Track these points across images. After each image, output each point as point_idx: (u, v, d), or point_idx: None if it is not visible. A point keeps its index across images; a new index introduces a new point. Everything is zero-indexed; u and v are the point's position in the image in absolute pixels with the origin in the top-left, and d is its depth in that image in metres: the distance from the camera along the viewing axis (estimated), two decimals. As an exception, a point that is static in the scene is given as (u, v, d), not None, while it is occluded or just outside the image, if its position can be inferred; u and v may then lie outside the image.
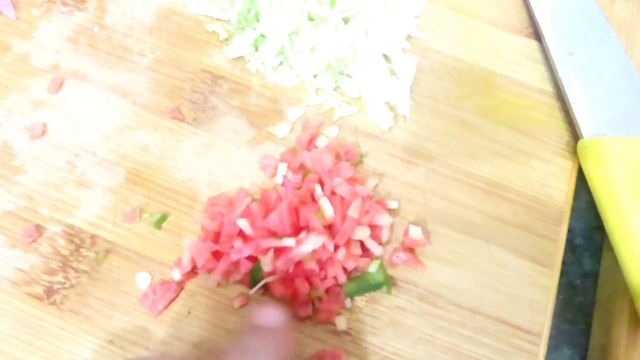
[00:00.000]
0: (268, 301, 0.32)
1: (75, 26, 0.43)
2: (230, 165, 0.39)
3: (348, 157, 0.39)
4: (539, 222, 0.38)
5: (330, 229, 0.35)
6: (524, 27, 0.46)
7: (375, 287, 0.34)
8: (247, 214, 0.34)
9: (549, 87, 0.44)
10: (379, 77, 0.41)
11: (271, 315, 0.30)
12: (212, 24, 0.43)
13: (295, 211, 0.34)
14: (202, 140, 0.39)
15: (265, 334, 0.29)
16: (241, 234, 0.34)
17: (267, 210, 0.35)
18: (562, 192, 0.39)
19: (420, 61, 0.43)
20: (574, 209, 0.41)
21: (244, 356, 0.27)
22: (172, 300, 0.34)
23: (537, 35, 0.46)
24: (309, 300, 0.34)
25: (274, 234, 0.34)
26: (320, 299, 0.34)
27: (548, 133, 0.42)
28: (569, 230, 0.40)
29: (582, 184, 0.41)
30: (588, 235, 0.42)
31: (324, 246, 0.33)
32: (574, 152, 0.41)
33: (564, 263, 0.39)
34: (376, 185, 0.38)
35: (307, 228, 0.34)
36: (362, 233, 0.35)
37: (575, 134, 0.41)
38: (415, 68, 0.42)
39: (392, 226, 0.37)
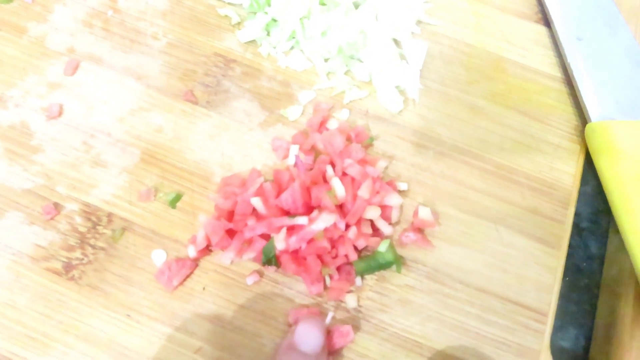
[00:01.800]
0: (308, 321, 0.32)
1: (90, 10, 0.44)
2: (243, 147, 0.39)
3: (359, 140, 0.39)
4: (547, 205, 0.39)
5: (341, 208, 0.35)
6: (533, 13, 0.46)
7: (385, 265, 0.35)
8: (260, 193, 0.35)
9: (557, 72, 0.44)
10: (389, 62, 0.42)
11: (311, 336, 0.31)
12: (224, 8, 0.44)
13: (307, 191, 0.35)
14: (215, 123, 0.40)
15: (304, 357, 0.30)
16: (254, 212, 0.35)
17: (280, 189, 0.36)
18: (570, 176, 0.40)
19: (430, 46, 0.44)
20: (581, 194, 0.41)
21: None
22: (187, 276, 0.35)
23: (547, 21, 0.46)
24: (321, 277, 0.34)
25: (287, 213, 0.35)
26: (331, 276, 0.35)
27: (556, 117, 0.42)
28: (576, 214, 0.40)
29: (589, 168, 0.41)
30: (594, 219, 0.42)
31: (335, 225, 0.34)
32: (582, 136, 0.41)
33: (570, 246, 0.39)
34: (386, 167, 0.39)
35: (319, 207, 0.35)
36: (373, 213, 0.35)
37: (583, 119, 0.42)
38: (425, 53, 0.43)
39: (401, 207, 0.38)
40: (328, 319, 0.34)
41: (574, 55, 0.43)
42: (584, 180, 0.42)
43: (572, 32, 0.45)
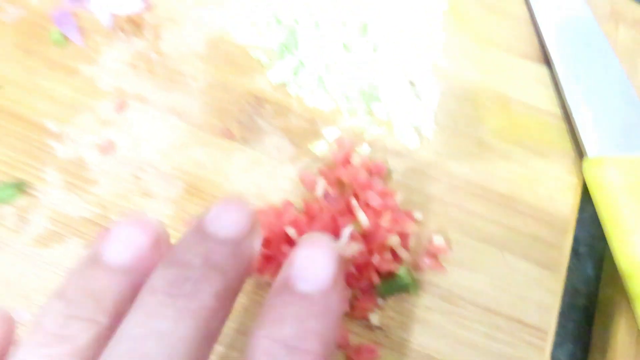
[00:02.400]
0: (313, 242, 0.23)
1: (135, 53, 0.48)
2: (275, 179, 0.44)
3: (378, 173, 0.44)
4: (547, 232, 0.43)
5: (364, 237, 0.40)
6: (536, 55, 0.51)
7: (404, 288, 0.40)
8: (293, 222, 0.40)
9: (557, 110, 0.49)
10: (405, 102, 0.46)
11: (316, 266, 0.21)
12: (256, 51, 0.49)
13: (334, 221, 0.40)
14: (249, 157, 0.45)
15: None
16: (288, 239, 0.40)
17: (311, 219, 0.40)
18: (568, 206, 0.44)
19: (442, 86, 0.48)
20: (578, 220, 0.46)
21: None
22: (229, 297, 0.39)
23: (548, 62, 0.50)
24: (347, 298, 0.39)
25: (317, 241, 0.39)
26: (356, 297, 0.39)
27: (556, 152, 0.47)
28: (574, 240, 0.45)
29: (586, 197, 0.46)
30: (591, 244, 0.47)
31: (360, 252, 0.38)
32: (580, 170, 0.46)
33: (569, 269, 0.44)
34: (403, 198, 0.44)
35: (346, 236, 0.39)
36: (393, 240, 0.40)
37: (580, 153, 0.46)
38: (439, 93, 0.47)
39: (418, 234, 0.42)
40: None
41: (572, 93, 0.48)
42: (581, 208, 0.46)
43: (571, 72, 0.49)
